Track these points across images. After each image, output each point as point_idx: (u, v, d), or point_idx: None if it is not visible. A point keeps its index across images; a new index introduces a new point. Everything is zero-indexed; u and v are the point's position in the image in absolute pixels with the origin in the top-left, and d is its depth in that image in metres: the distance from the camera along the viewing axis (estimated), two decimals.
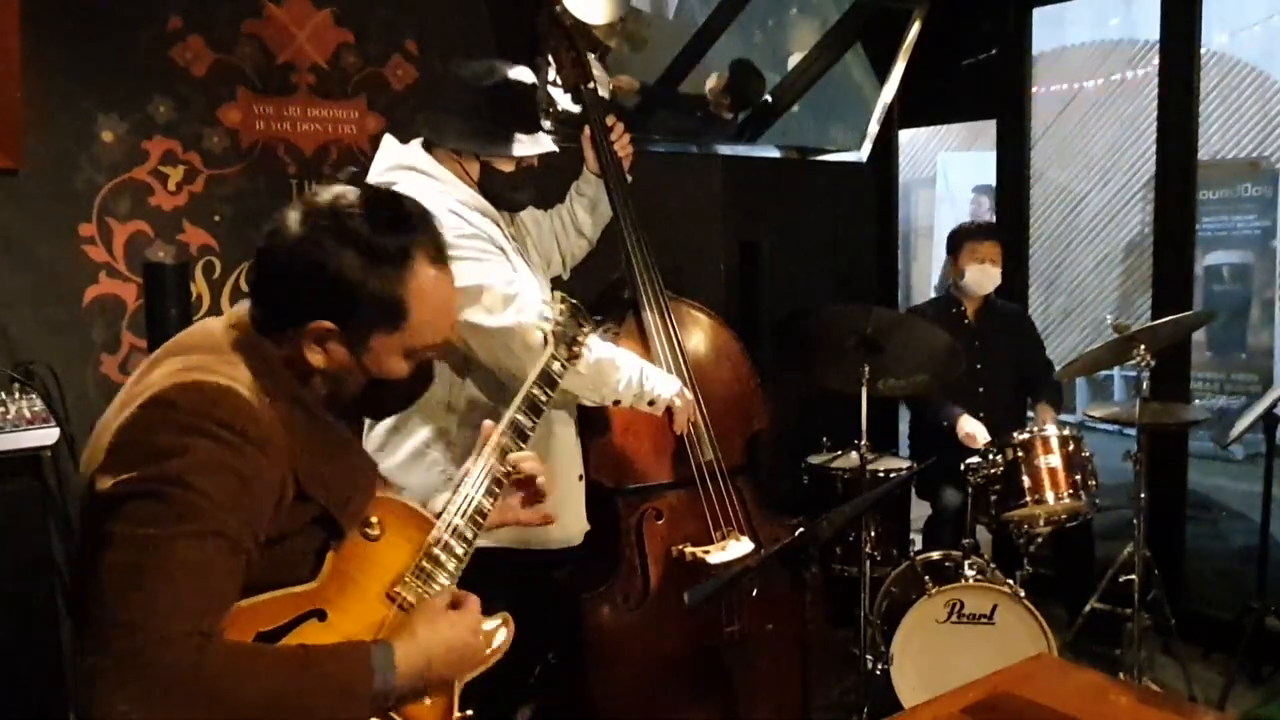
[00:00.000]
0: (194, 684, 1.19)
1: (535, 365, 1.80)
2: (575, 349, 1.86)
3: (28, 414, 2.41)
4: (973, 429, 3.57)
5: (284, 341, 1.41)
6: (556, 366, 1.80)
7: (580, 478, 2.46)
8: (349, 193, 1.41)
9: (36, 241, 2.78)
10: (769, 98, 4.57)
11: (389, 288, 1.39)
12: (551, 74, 2.73)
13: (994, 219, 4.91)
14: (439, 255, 1.45)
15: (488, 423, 1.70)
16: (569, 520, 2.41)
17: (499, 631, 1.60)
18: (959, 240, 3.90)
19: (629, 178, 2.70)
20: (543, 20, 2.63)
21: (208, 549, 1.24)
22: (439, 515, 1.57)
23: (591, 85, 2.63)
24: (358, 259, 1.36)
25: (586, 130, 2.63)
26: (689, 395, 2.48)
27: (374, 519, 1.50)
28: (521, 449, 1.68)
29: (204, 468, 1.26)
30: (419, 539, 1.54)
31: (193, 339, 1.43)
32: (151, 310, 2.65)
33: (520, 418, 1.70)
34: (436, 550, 1.53)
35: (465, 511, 1.58)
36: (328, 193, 1.41)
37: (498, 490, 1.64)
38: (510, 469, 1.66)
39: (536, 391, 1.73)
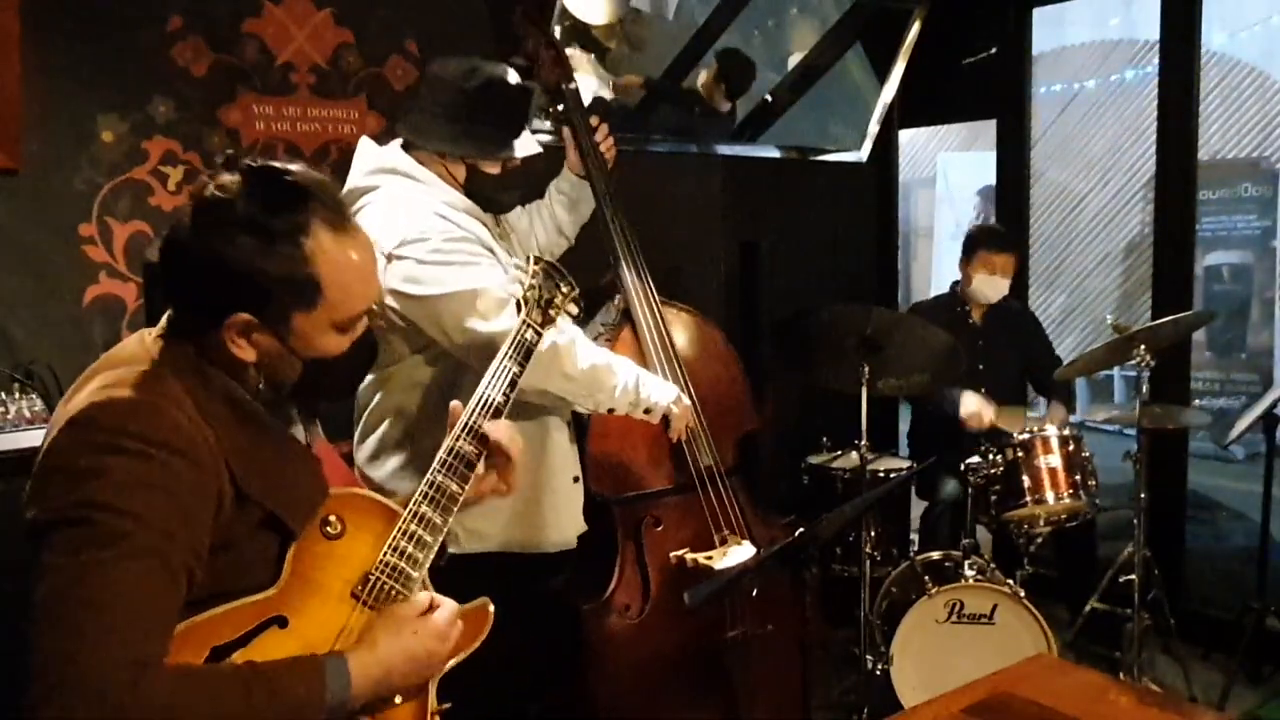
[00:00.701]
0: (133, 715, 1.14)
1: (508, 334, 1.69)
2: (551, 312, 1.72)
3: (28, 414, 2.42)
4: (976, 406, 3.55)
5: (209, 341, 1.35)
6: (530, 335, 1.67)
7: (575, 480, 2.44)
8: (229, 178, 1.33)
9: (36, 241, 2.77)
10: (769, 97, 4.57)
11: (293, 266, 1.32)
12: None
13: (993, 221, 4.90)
14: (339, 219, 1.37)
15: (455, 403, 1.61)
16: (565, 523, 2.39)
17: (477, 621, 1.52)
18: (974, 245, 3.82)
19: (613, 177, 2.69)
20: (518, 20, 2.59)
21: (139, 571, 1.19)
22: (406, 505, 1.50)
23: (573, 85, 2.59)
24: (252, 243, 1.30)
25: (567, 131, 2.60)
26: (686, 401, 2.46)
27: (332, 516, 1.43)
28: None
29: (126, 486, 1.21)
30: (384, 532, 1.46)
31: (123, 352, 1.39)
32: (151, 310, 2.65)
33: (493, 393, 1.59)
34: (403, 543, 1.45)
35: (434, 499, 1.50)
36: (210, 184, 1.33)
37: (469, 473, 1.55)
38: (481, 450, 1.57)
39: (510, 364, 1.63)
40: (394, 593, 1.43)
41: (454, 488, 1.52)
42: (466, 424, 1.57)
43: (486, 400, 1.59)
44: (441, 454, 1.54)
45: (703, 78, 4.46)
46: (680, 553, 2.52)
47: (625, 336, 2.59)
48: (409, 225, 2.11)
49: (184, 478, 1.26)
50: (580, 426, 2.49)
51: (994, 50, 4.32)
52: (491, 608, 1.55)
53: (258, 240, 1.30)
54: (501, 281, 2.15)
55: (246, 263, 1.30)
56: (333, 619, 1.39)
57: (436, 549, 1.49)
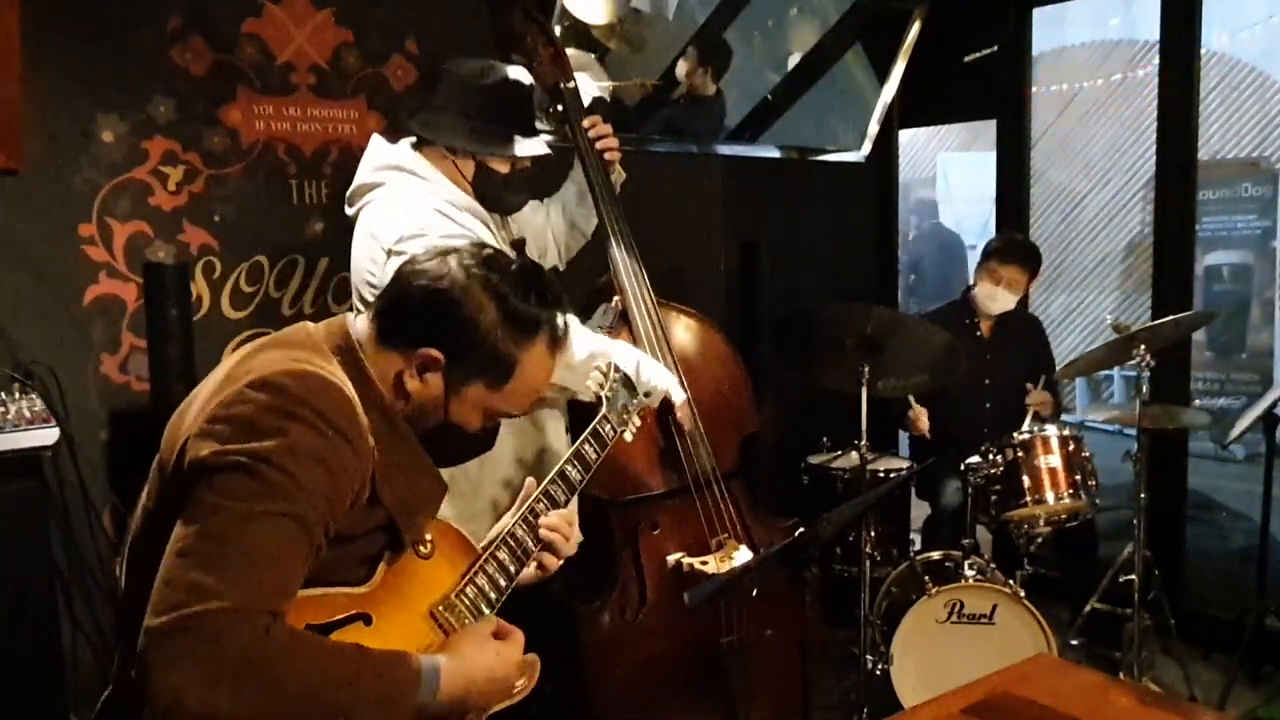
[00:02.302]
0: (253, 662, 1.21)
1: (593, 414, 1.88)
2: (625, 416, 1.94)
3: (28, 414, 2.42)
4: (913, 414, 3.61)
5: (387, 356, 1.48)
6: (607, 429, 1.87)
7: None
8: (506, 255, 1.54)
9: (36, 241, 2.78)
10: (769, 97, 4.57)
11: (510, 349, 1.49)
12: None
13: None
14: (557, 342, 1.55)
15: (530, 480, 1.76)
16: None
17: (530, 670, 1.62)
18: (985, 254, 3.77)
19: (624, 174, 2.68)
20: (518, 17, 2.57)
21: (288, 531, 1.28)
22: (484, 547, 1.63)
23: (571, 84, 2.58)
24: (496, 312, 1.47)
25: (567, 129, 2.59)
26: (683, 393, 2.46)
27: (428, 537, 1.55)
28: (567, 499, 1.75)
29: (298, 453, 1.30)
30: (464, 565, 1.59)
31: (294, 336, 1.49)
32: (151, 310, 2.65)
33: (569, 469, 1.77)
34: (480, 580, 1.59)
35: (511, 548, 1.64)
36: (487, 248, 1.54)
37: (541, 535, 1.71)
38: (554, 516, 1.72)
39: (587, 448, 1.82)
40: (467, 624, 1.54)
41: (529, 543, 1.69)
42: (546, 489, 1.73)
43: (564, 475, 1.76)
44: (523, 511, 1.70)
45: (684, 68, 4.44)
46: (676, 557, 2.52)
47: (623, 339, 2.59)
48: (408, 221, 2.13)
49: (345, 463, 1.36)
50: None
51: (995, 48, 4.32)
52: (538, 661, 1.65)
53: (502, 312, 1.48)
54: None
55: (481, 321, 1.47)
56: (412, 633, 1.48)
57: (505, 596, 1.62)
